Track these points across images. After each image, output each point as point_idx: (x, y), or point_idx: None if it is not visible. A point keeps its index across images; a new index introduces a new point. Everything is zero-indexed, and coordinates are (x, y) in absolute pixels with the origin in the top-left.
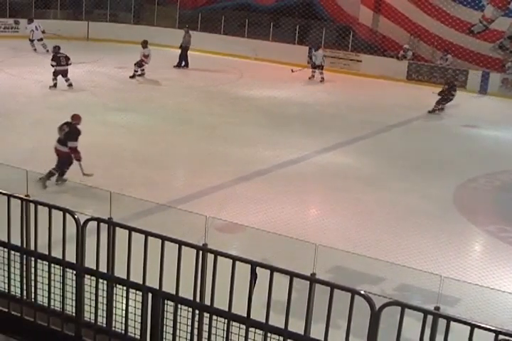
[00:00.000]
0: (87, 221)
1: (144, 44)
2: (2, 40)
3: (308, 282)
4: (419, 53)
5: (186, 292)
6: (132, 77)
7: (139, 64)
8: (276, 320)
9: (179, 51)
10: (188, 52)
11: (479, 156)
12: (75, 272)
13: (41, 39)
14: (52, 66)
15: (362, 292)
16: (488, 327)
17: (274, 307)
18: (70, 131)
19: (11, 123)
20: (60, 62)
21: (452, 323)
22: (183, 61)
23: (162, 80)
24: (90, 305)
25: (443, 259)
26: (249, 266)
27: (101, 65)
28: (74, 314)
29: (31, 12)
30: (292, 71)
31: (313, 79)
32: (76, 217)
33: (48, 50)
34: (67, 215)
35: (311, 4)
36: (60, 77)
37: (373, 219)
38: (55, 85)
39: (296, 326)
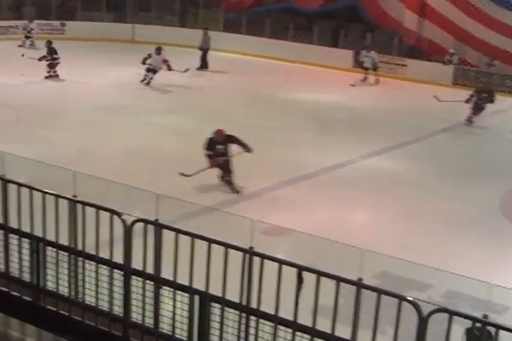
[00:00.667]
0: (134, 222)
1: (158, 50)
2: None
3: (355, 287)
4: (465, 58)
5: (233, 295)
6: (144, 81)
7: (169, 67)
8: (323, 325)
9: (222, 54)
10: (209, 53)
11: None
12: (122, 273)
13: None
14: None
15: (409, 298)
16: None
17: (320, 311)
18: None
19: (58, 125)
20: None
21: (501, 332)
22: (204, 63)
23: (207, 83)
24: (137, 306)
25: (491, 266)
26: (295, 269)
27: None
28: (121, 314)
29: (77, 14)
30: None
31: (366, 82)
32: (123, 218)
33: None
34: (115, 216)
35: (356, 8)
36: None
37: (420, 224)
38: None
39: (343, 331)
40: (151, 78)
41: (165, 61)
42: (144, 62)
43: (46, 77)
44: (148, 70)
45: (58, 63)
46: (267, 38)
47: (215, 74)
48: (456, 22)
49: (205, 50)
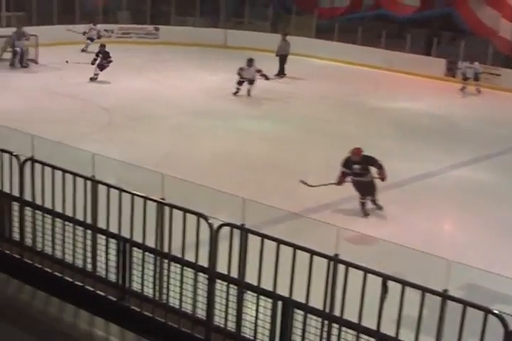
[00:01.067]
0: (220, 226)
1: (250, 62)
2: (142, 45)
3: (440, 298)
4: None
5: (316, 301)
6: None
7: (265, 76)
8: (405, 336)
9: (315, 60)
10: (288, 59)
11: None
12: (206, 276)
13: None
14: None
15: (495, 311)
16: None
17: (404, 322)
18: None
19: (148, 128)
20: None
21: None
22: (282, 69)
23: (297, 89)
24: (220, 310)
25: None
26: (380, 278)
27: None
28: (204, 317)
29: (171, 19)
30: None
31: (464, 91)
32: (210, 221)
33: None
34: (201, 220)
35: (450, 16)
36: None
37: (508, 238)
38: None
39: None
40: (249, 90)
41: (259, 71)
42: (240, 74)
43: (91, 79)
44: (240, 82)
45: (107, 67)
46: (358, 45)
47: (304, 81)
48: None
49: (284, 56)
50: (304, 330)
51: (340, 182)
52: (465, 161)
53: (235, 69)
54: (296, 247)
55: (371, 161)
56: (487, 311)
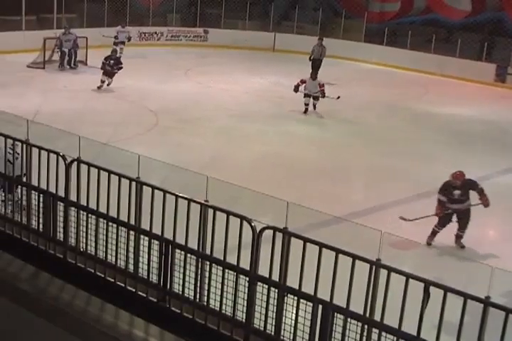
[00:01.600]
0: (263, 229)
1: (315, 75)
2: (191, 48)
3: (482, 305)
4: None
5: (357, 306)
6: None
7: (323, 93)
8: None
9: (364, 65)
10: (323, 64)
11: None
12: (247, 279)
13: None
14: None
15: None
16: None
17: (445, 328)
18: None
19: (195, 130)
20: (109, 63)
21: None
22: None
23: (345, 93)
24: (260, 313)
25: None
26: (422, 284)
27: (285, 75)
28: (244, 320)
29: (220, 22)
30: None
31: None
32: (253, 224)
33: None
34: (244, 222)
35: (502, 21)
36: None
37: None
38: (98, 87)
39: None
40: (315, 105)
41: (321, 86)
42: (296, 90)
43: (98, 87)
44: (306, 97)
45: (116, 73)
46: (407, 49)
47: (352, 85)
48: None
49: (319, 61)
50: (343, 335)
51: (439, 212)
52: None
53: (283, 73)
54: (337, 251)
55: (474, 186)
56: None
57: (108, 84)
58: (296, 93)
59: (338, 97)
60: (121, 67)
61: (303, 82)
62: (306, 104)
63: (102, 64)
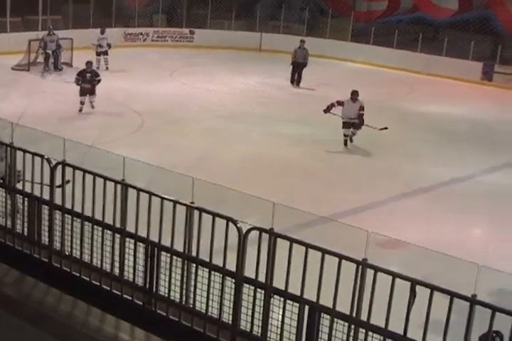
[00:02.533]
0: (249, 230)
1: (356, 96)
2: (177, 49)
3: (469, 303)
4: None
5: (344, 306)
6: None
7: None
8: None
9: (350, 64)
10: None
11: None
12: (234, 280)
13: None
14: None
15: None
16: None
17: (432, 327)
18: None
19: (181, 131)
20: (85, 78)
21: None
22: (294, 77)
23: (332, 93)
24: (247, 314)
25: None
26: (408, 283)
27: (271, 76)
28: (230, 322)
29: (207, 23)
30: None
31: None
32: (239, 225)
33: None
34: (230, 224)
35: (488, 19)
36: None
37: None
38: (80, 110)
39: None
40: (352, 136)
41: (361, 109)
42: (327, 111)
43: (80, 110)
44: (346, 127)
45: (96, 85)
46: (394, 48)
47: (339, 85)
48: None
49: (303, 64)
50: (330, 335)
51: None
52: (499, 166)
53: (269, 73)
54: (324, 251)
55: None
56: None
57: (92, 104)
58: (324, 114)
59: (385, 128)
60: (99, 80)
61: (339, 103)
62: (346, 135)
63: (75, 80)
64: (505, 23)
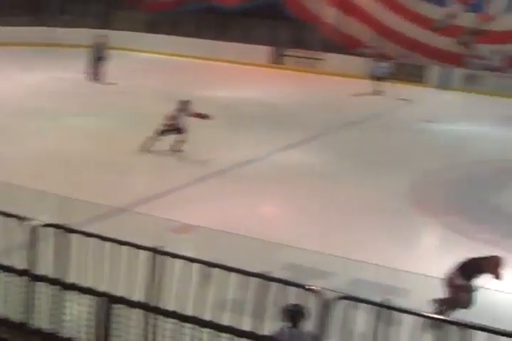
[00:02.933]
0: (36, 227)
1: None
2: None
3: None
4: (385, 51)
5: (140, 295)
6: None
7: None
8: (231, 319)
9: (143, 54)
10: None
11: (435, 150)
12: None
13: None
14: None
15: (313, 287)
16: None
17: (230, 306)
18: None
19: None
20: None
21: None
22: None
23: (125, 84)
24: (40, 312)
25: (397, 252)
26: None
27: (67, 71)
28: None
29: None
30: None
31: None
32: (30, 223)
33: None
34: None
35: (276, 5)
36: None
37: (328, 215)
38: None
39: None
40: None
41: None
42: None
43: None
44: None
45: None
46: (184, 36)
47: (131, 75)
48: (374, 15)
49: (104, 58)
50: (126, 325)
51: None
52: (290, 145)
53: (58, 67)
54: (119, 242)
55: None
56: (303, 287)
57: None
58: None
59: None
60: None
61: (172, 117)
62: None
63: None
64: (292, 8)
